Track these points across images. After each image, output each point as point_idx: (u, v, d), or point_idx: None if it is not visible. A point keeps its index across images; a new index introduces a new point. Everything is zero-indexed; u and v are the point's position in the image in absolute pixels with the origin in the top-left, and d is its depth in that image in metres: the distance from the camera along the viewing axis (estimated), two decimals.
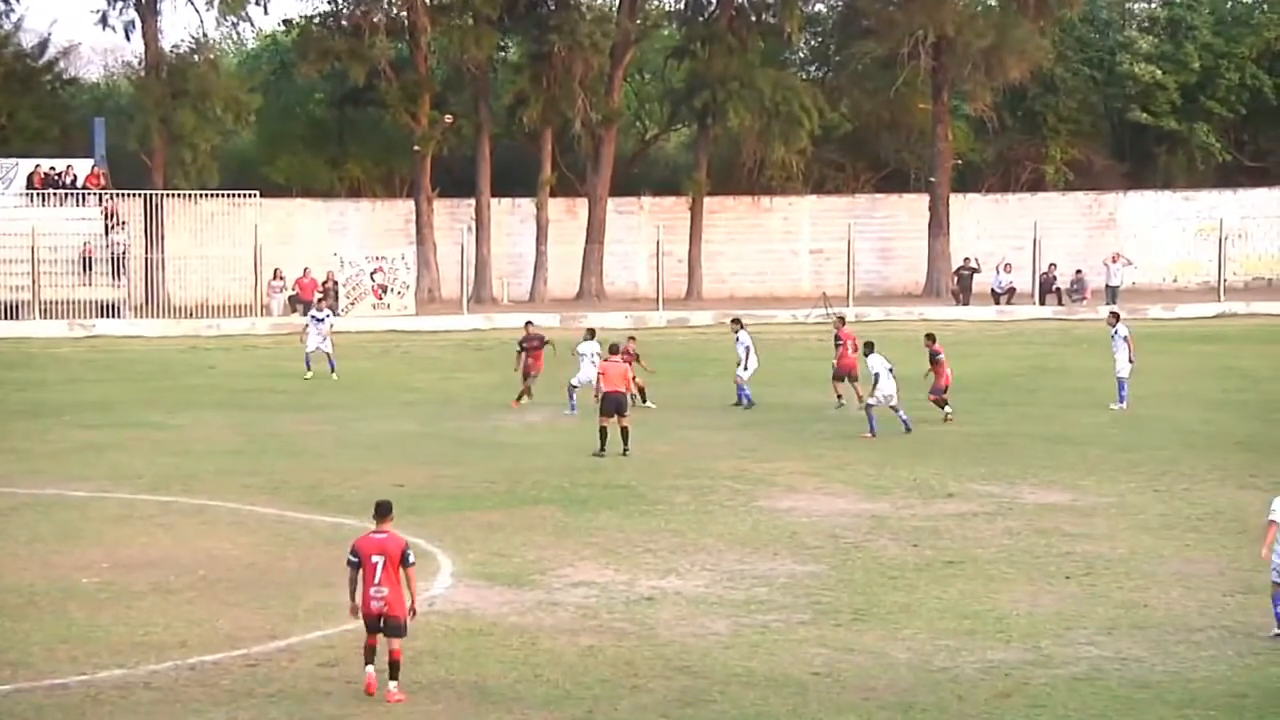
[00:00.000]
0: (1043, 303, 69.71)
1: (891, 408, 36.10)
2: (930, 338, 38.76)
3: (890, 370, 36.13)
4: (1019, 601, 21.95)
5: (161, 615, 21.17)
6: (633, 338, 41.86)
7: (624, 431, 33.54)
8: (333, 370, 46.82)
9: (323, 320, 47.72)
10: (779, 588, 22.76)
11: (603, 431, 33.45)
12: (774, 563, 24.31)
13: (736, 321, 42.41)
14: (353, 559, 17.85)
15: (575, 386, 39.04)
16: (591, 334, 40.54)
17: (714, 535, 26.13)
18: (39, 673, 18.70)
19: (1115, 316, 42.35)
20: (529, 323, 43.42)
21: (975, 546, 25.37)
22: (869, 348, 36.82)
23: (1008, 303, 70.13)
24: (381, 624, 17.78)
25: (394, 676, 17.77)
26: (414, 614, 18.08)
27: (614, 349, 35.86)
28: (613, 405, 33.66)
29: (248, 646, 19.67)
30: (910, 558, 24.65)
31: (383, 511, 18.05)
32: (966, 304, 69.72)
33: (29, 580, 23.04)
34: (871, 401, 36.06)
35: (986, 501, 28.93)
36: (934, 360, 37.96)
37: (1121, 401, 40.23)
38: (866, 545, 25.50)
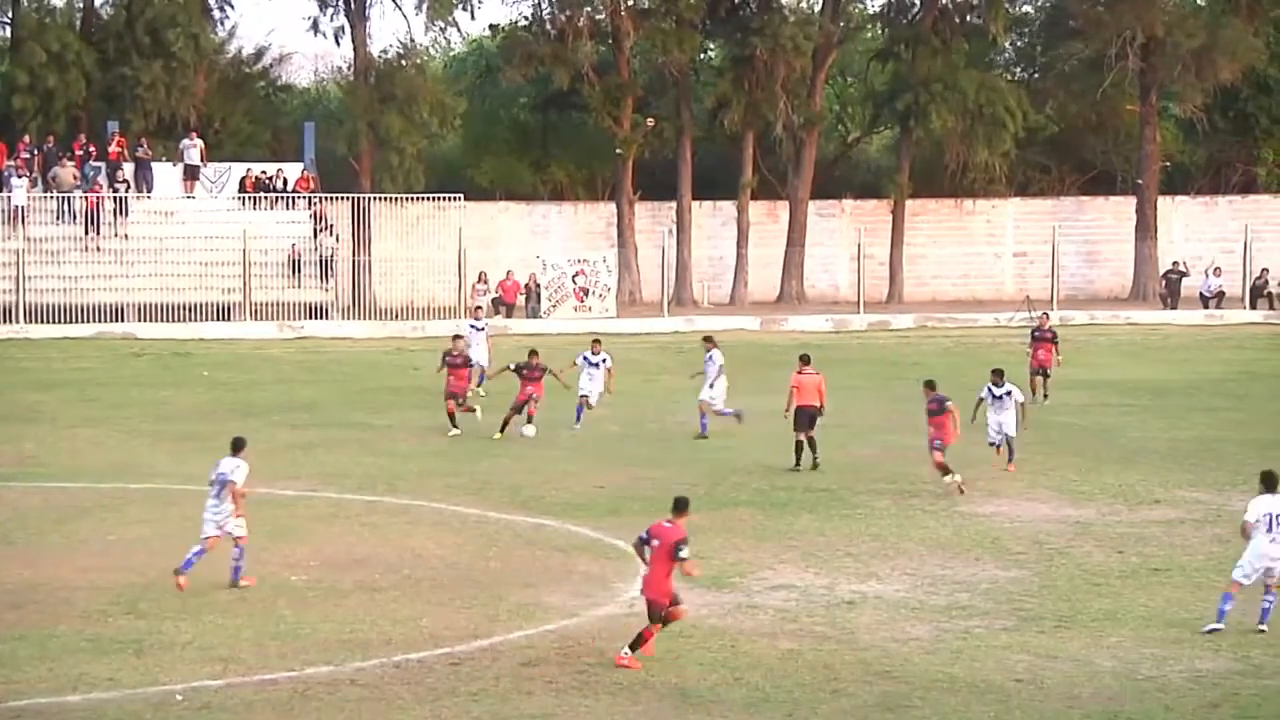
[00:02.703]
0: (1254, 307, 68.38)
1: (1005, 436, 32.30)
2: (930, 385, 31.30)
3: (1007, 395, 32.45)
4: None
5: (367, 613, 21.49)
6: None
7: (811, 443, 32.52)
8: (480, 384, 43.72)
9: (482, 329, 45.86)
10: (981, 593, 22.57)
11: (798, 446, 32.48)
12: (976, 568, 24.12)
13: (709, 340, 38.41)
14: (643, 535, 19.65)
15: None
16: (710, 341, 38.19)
17: (915, 540, 25.98)
18: (249, 668, 19.06)
19: None
20: (533, 352, 38.94)
21: (1182, 554, 24.97)
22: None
23: (1217, 307, 68.88)
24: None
25: (632, 646, 18.98)
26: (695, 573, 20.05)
27: (805, 359, 33.79)
28: (806, 419, 32.62)
29: (451, 645, 19.91)
30: (1115, 564, 24.33)
31: (678, 506, 19.96)
32: (1175, 308, 68.65)
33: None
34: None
35: (1194, 508, 28.45)
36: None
37: None
38: (1070, 551, 25.20)
